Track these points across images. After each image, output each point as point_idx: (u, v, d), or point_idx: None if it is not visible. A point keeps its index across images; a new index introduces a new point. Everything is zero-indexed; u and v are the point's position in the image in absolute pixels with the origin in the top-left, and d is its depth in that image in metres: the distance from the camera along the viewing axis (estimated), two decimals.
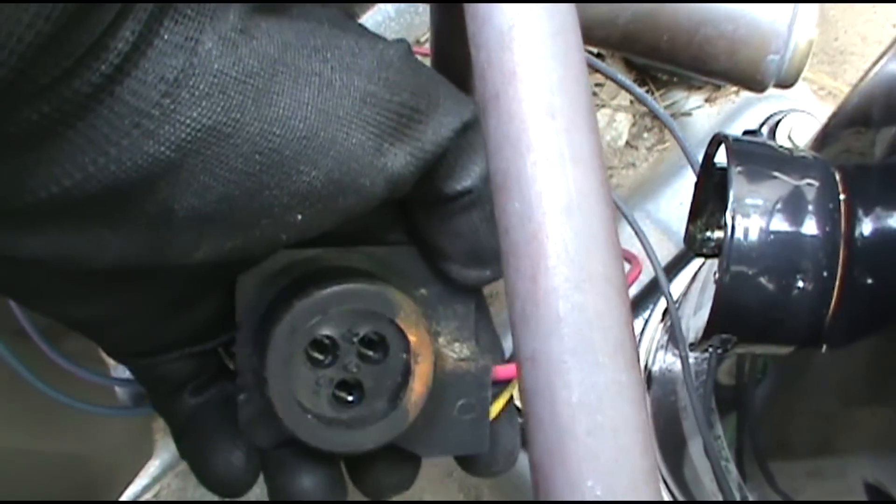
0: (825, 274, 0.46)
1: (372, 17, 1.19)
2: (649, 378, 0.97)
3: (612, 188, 1.18)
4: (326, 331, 0.44)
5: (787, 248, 0.46)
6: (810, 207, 0.47)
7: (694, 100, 1.20)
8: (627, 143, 1.22)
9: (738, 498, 0.71)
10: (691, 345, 0.72)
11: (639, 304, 1.06)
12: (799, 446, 0.60)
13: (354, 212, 0.41)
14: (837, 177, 0.48)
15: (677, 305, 0.86)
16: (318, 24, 0.38)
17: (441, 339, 0.48)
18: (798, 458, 0.61)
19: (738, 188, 0.47)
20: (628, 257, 0.83)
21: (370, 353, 0.45)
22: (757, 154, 0.49)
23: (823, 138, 0.57)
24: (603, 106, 1.21)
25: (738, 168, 0.47)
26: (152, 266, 0.39)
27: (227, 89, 0.35)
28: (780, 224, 0.47)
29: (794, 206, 0.47)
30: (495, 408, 0.51)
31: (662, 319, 1.00)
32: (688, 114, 1.19)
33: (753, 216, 0.46)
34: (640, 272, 0.80)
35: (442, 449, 0.50)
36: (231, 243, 0.39)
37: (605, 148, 1.21)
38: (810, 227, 0.47)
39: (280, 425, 0.46)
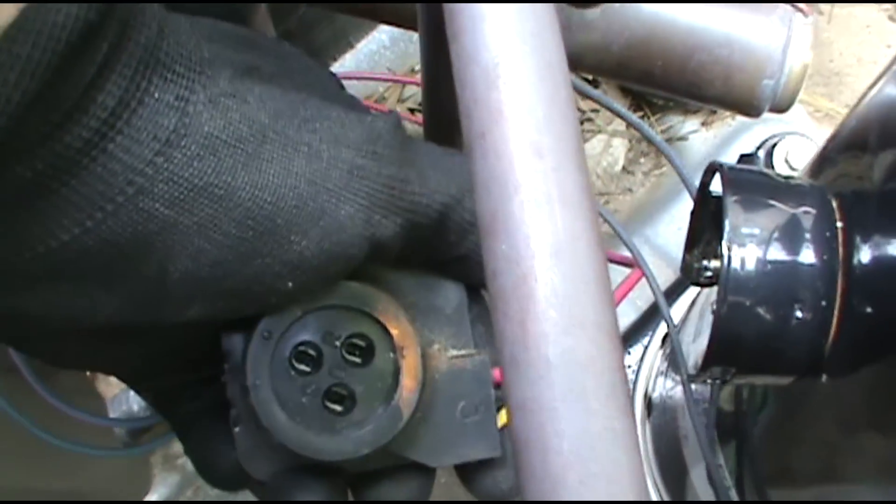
0: (824, 303, 0.46)
1: (367, 46, 1.19)
2: (649, 405, 0.96)
3: (610, 213, 1.17)
4: (305, 336, 0.44)
5: (784, 278, 0.46)
6: (807, 236, 0.46)
7: (690, 124, 1.19)
8: (624, 168, 1.21)
9: None
10: (690, 376, 0.72)
11: (638, 331, 1.05)
12: (800, 474, 0.60)
13: (341, 276, 0.41)
14: (834, 204, 0.48)
15: (677, 331, 0.85)
16: (308, 95, 0.39)
17: (436, 346, 0.47)
18: (799, 486, 0.60)
19: (734, 217, 0.46)
20: (629, 262, 0.82)
21: (357, 359, 0.45)
22: (752, 182, 0.48)
23: (820, 163, 0.56)
24: (599, 132, 1.21)
25: (734, 197, 0.47)
26: (144, 322, 0.39)
27: (218, 152, 0.35)
28: (777, 253, 0.46)
29: (790, 235, 0.46)
30: (503, 416, 0.49)
31: (662, 346, 1.00)
32: (684, 138, 1.19)
33: (750, 246, 0.46)
34: (640, 278, 0.80)
35: (451, 456, 0.48)
36: (222, 304, 0.39)
37: (601, 173, 1.21)
38: (808, 255, 0.46)
39: (278, 454, 0.45)
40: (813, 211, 0.47)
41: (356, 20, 1.16)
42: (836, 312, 0.46)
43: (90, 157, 0.33)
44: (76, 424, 0.81)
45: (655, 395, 0.97)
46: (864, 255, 0.45)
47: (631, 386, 1.00)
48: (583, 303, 0.23)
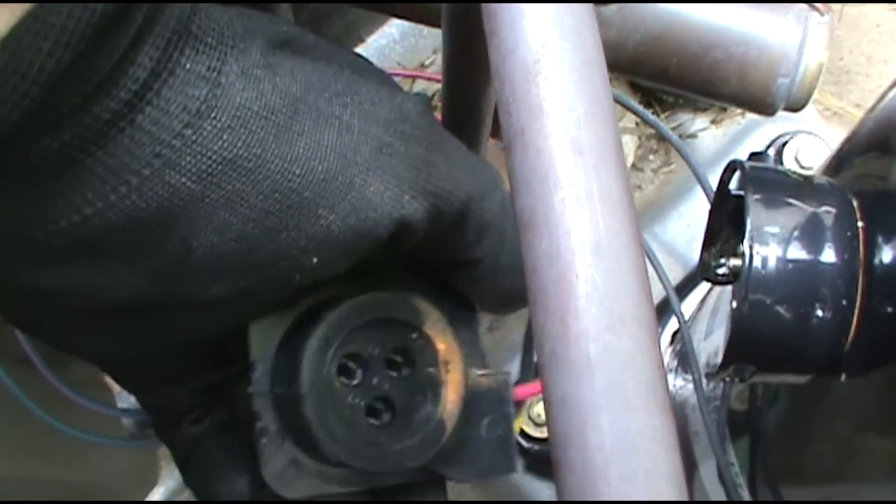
0: (844, 302, 0.46)
1: (376, 41, 1.19)
2: None
3: None
4: (354, 348, 0.44)
5: (805, 277, 0.46)
6: (828, 235, 0.46)
7: (700, 121, 1.19)
8: (633, 165, 1.21)
9: None
10: (708, 374, 0.72)
11: None
12: (813, 472, 0.60)
13: (364, 255, 0.41)
14: (855, 203, 0.48)
15: (688, 328, 0.85)
16: (339, 69, 0.39)
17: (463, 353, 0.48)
18: (812, 484, 0.60)
19: (756, 216, 0.46)
20: None
21: (395, 373, 0.45)
22: (773, 181, 0.48)
23: (837, 164, 0.56)
24: None
25: (756, 196, 0.47)
26: (166, 302, 0.39)
27: (248, 123, 0.35)
28: (797, 252, 0.46)
29: (811, 234, 0.46)
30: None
31: (671, 343, 0.99)
32: (693, 136, 1.19)
33: (771, 244, 0.46)
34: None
35: (474, 471, 0.48)
36: (245, 282, 0.39)
37: None
38: (829, 254, 0.46)
39: (304, 468, 0.45)
40: (834, 210, 0.47)
41: (367, 15, 1.16)
42: (856, 312, 0.46)
43: (118, 128, 0.33)
44: (86, 415, 0.81)
45: None
46: (886, 255, 0.45)
47: None
48: (623, 299, 0.23)
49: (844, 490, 0.54)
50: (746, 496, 0.71)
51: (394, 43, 1.19)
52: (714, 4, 0.69)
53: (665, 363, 0.99)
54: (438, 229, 0.42)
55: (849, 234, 0.46)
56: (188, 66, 0.34)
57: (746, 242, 0.46)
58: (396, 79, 1.17)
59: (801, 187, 0.48)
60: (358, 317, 0.43)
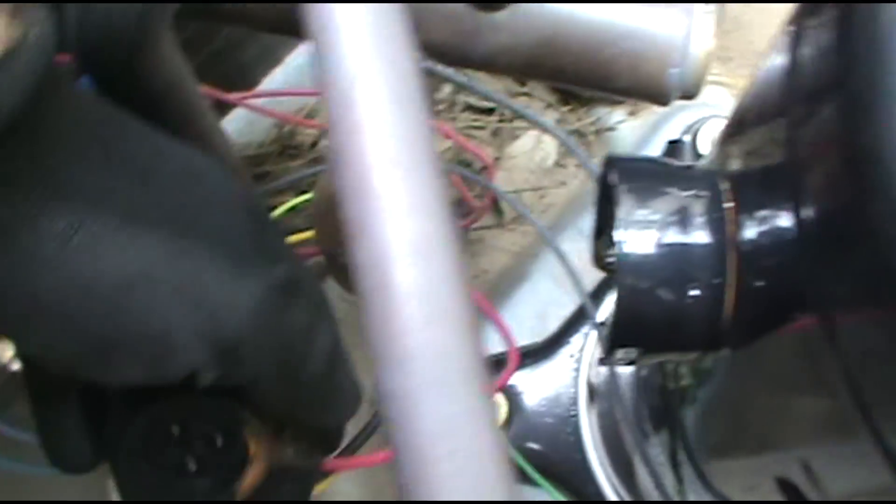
0: (716, 280, 0.48)
1: (295, 60, 1.20)
2: (592, 392, 0.99)
3: (544, 208, 1.20)
4: (178, 420, 0.47)
5: (677, 260, 0.48)
6: (698, 219, 0.49)
7: (617, 114, 1.22)
8: (556, 162, 1.24)
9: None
10: (600, 359, 0.74)
11: (578, 320, 1.07)
12: (724, 446, 0.62)
13: None
14: (726, 186, 0.50)
15: (601, 325, 0.88)
16: (193, 247, 0.40)
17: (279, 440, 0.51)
18: (726, 457, 0.62)
19: (627, 206, 0.49)
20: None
21: (214, 445, 0.48)
22: (645, 171, 0.51)
23: (720, 144, 0.59)
24: (529, 129, 1.23)
25: (626, 186, 0.49)
26: None
27: (83, 290, 0.37)
28: (669, 237, 0.48)
29: (682, 219, 0.49)
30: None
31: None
32: (612, 128, 1.22)
33: (644, 231, 0.48)
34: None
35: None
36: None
37: (534, 169, 1.23)
38: (699, 236, 0.48)
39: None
40: (704, 194, 0.49)
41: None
42: (730, 289, 0.48)
43: None
44: (28, 453, 0.82)
45: (598, 382, 0.99)
46: (750, 231, 0.47)
47: (574, 373, 1.02)
48: (439, 298, 0.26)
49: (769, 460, 0.55)
50: (668, 474, 0.73)
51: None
52: (602, 4, 0.72)
53: (597, 355, 1.01)
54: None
55: (716, 216, 0.49)
56: (46, 222, 0.35)
57: (617, 231, 0.48)
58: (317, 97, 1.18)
59: (671, 176, 0.51)
60: (169, 422, 0.47)
